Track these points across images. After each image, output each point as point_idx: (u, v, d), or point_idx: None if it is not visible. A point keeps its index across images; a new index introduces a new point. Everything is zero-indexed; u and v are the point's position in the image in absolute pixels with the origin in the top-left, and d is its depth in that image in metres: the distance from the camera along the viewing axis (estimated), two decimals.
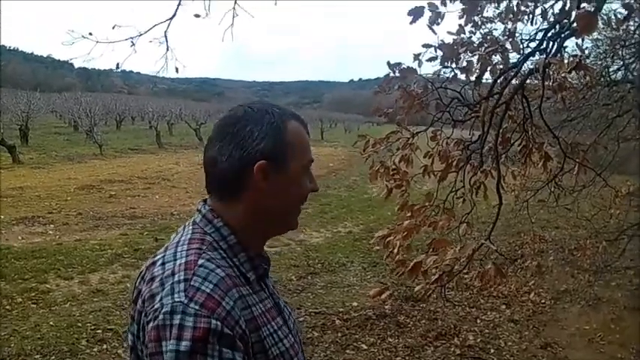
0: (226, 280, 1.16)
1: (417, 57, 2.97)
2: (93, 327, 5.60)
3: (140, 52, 4.16)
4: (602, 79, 6.21)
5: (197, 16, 4.26)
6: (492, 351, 5.57)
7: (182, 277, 1.12)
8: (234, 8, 4.33)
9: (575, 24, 2.58)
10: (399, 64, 2.98)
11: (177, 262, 1.17)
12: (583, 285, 7.55)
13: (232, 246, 1.27)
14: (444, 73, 3.10)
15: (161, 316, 1.07)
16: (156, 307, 1.10)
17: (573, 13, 2.60)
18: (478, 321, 6.33)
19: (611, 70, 6.78)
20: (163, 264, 1.19)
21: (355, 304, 6.69)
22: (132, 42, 4.06)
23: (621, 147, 6.26)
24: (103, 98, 41.47)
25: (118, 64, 4.26)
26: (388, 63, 2.97)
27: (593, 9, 2.50)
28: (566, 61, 2.80)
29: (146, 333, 1.10)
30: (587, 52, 5.95)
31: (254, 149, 1.24)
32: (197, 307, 1.07)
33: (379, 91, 3.16)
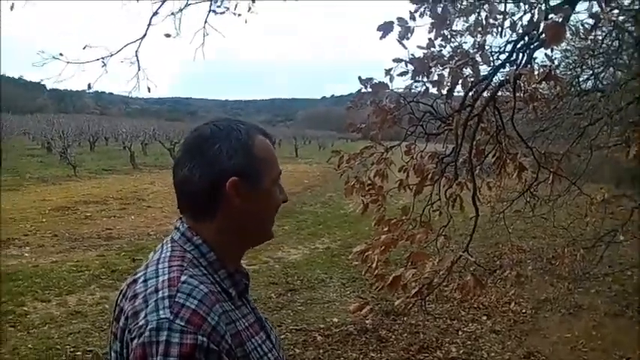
0: (210, 296, 1.16)
1: (388, 72, 2.99)
2: (72, 349, 5.52)
3: (112, 72, 4.18)
4: (572, 88, 6.30)
5: (167, 35, 4.28)
6: None
7: (166, 294, 1.13)
8: (204, 27, 4.35)
9: (543, 35, 2.61)
10: (371, 79, 2.99)
11: (160, 278, 1.18)
12: (563, 293, 7.62)
13: (212, 263, 1.27)
14: (416, 87, 3.11)
15: (147, 333, 1.07)
16: (140, 323, 1.09)
17: (542, 25, 2.63)
18: (460, 333, 6.32)
19: (581, 79, 6.89)
20: (145, 281, 1.19)
21: (336, 319, 6.65)
22: (103, 62, 4.06)
23: (594, 155, 6.31)
24: (76, 119, 40.95)
25: (89, 85, 4.25)
26: (360, 78, 2.98)
27: (560, 19, 2.53)
28: (536, 72, 2.84)
29: (130, 350, 1.10)
30: (556, 62, 6.03)
31: (225, 166, 1.25)
32: (183, 324, 1.07)
33: (352, 106, 3.17)
